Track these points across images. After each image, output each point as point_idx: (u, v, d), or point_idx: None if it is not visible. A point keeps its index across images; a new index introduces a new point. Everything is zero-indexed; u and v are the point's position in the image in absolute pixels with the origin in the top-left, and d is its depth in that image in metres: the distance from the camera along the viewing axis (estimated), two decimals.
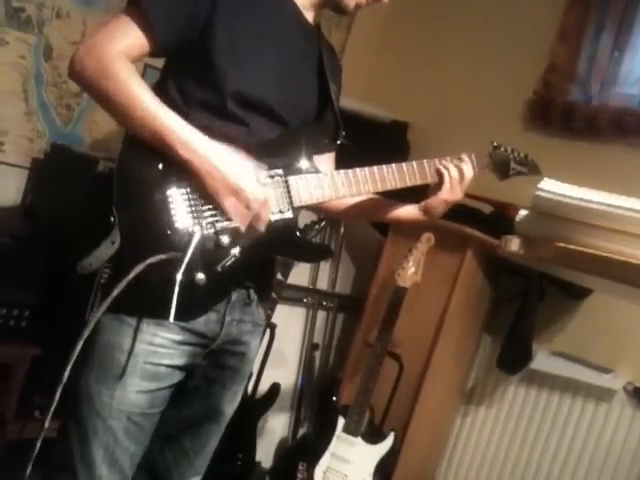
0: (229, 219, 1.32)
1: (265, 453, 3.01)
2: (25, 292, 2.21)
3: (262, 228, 1.34)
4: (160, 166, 1.30)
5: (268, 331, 2.73)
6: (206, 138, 1.31)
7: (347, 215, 1.68)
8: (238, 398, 1.60)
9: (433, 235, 2.62)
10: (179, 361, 1.41)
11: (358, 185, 1.46)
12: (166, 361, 1.39)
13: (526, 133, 3.12)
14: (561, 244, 1.10)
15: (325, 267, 3.24)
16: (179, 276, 1.26)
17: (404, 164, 1.53)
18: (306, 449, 2.70)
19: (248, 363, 1.58)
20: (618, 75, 2.97)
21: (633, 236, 1.05)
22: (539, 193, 1.10)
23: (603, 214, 1.07)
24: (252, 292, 1.52)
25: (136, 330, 1.35)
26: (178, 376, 1.43)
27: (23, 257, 2.21)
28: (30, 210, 2.40)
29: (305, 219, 1.66)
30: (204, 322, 1.42)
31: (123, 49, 1.31)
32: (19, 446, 1.41)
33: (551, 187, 1.11)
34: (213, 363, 1.50)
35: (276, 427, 3.12)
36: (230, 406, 1.58)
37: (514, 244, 1.16)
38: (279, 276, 2.67)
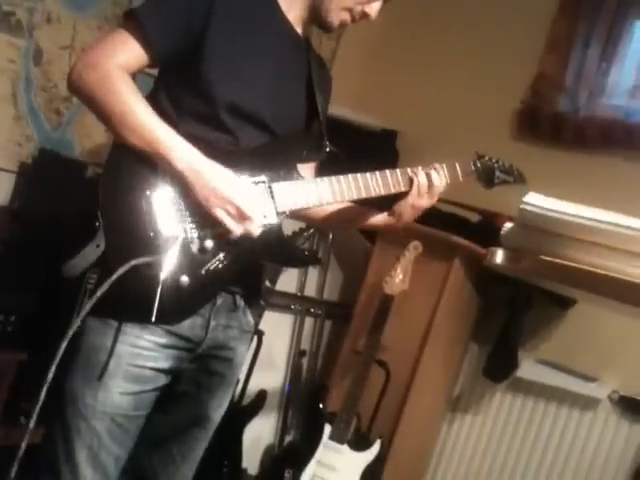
0: (216, 225, 1.34)
1: (251, 460, 3.01)
2: (12, 297, 2.20)
3: (257, 232, 1.36)
4: (146, 171, 1.33)
5: (255, 338, 2.73)
6: (197, 151, 1.33)
7: (326, 224, 1.69)
8: (225, 404, 1.61)
9: (421, 243, 2.63)
10: (164, 364, 1.42)
11: (342, 192, 1.48)
12: (150, 364, 1.40)
13: (514, 143, 3.14)
14: (545, 257, 1.11)
15: (313, 274, 3.25)
16: (161, 277, 1.28)
17: (387, 171, 1.53)
18: (292, 456, 2.70)
19: (235, 369, 1.59)
20: (605, 86, 2.99)
21: (616, 250, 1.07)
22: (524, 207, 1.11)
23: (587, 228, 1.08)
24: (238, 298, 1.53)
25: (120, 332, 1.37)
26: (163, 379, 1.44)
27: (9, 262, 2.20)
28: (18, 215, 2.39)
29: (294, 226, 1.67)
30: (189, 326, 1.43)
31: (121, 62, 1.34)
32: (4, 452, 1.41)
33: (536, 201, 1.12)
34: (200, 368, 1.51)
35: (262, 434, 3.12)
36: (217, 412, 1.59)
37: (499, 256, 1.17)
38: (267, 283, 2.67)
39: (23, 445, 1.29)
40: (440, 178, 1.56)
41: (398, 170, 1.55)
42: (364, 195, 1.50)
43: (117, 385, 1.38)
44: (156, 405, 1.48)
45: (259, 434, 3.08)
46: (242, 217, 1.33)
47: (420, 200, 1.55)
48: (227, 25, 1.40)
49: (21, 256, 2.22)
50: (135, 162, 1.32)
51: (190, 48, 1.38)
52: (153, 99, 1.41)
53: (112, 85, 1.31)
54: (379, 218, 1.65)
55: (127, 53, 1.35)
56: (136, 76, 1.40)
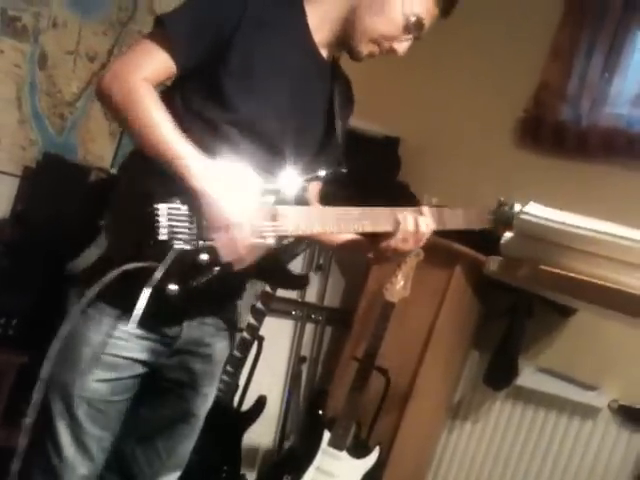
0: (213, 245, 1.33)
1: (250, 466, 3.01)
2: (13, 300, 2.21)
3: (238, 267, 1.34)
4: (159, 180, 1.33)
5: (256, 343, 2.74)
6: (217, 170, 1.32)
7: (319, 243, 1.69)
8: (210, 400, 1.63)
9: (422, 250, 2.63)
10: (139, 355, 1.45)
11: (347, 223, 1.45)
12: (125, 353, 1.43)
13: (517, 151, 3.15)
14: (544, 267, 1.12)
15: (314, 280, 3.25)
16: (149, 285, 1.28)
17: (399, 209, 1.50)
18: (291, 462, 2.69)
19: (216, 365, 1.60)
20: (608, 95, 3.00)
21: (616, 261, 1.07)
22: (524, 216, 1.11)
23: (587, 239, 1.08)
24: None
25: (95, 321, 1.40)
26: (140, 369, 1.47)
27: (12, 265, 2.21)
28: (21, 218, 2.40)
29: None
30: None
31: (148, 75, 1.35)
32: (5, 454, 1.43)
33: (536, 211, 1.12)
34: (180, 365, 1.53)
35: (262, 440, 3.12)
36: (202, 408, 1.61)
37: (499, 265, 1.18)
38: (267, 288, 2.68)
39: (20, 441, 1.32)
40: (425, 224, 1.51)
41: (409, 209, 1.51)
42: (370, 229, 1.47)
43: (92, 372, 1.41)
44: (141, 400, 1.51)
45: (258, 440, 3.08)
46: (235, 248, 1.31)
47: (404, 245, 1.50)
48: (253, 40, 1.41)
49: (24, 259, 2.23)
50: (151, 170, 1.33)
51: (213, 57, 1.39)
52: (166, 97, 1.41)
53: (138, 100, 1.32)
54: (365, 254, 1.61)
55: (154, 67, 1.36)
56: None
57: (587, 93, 3.01)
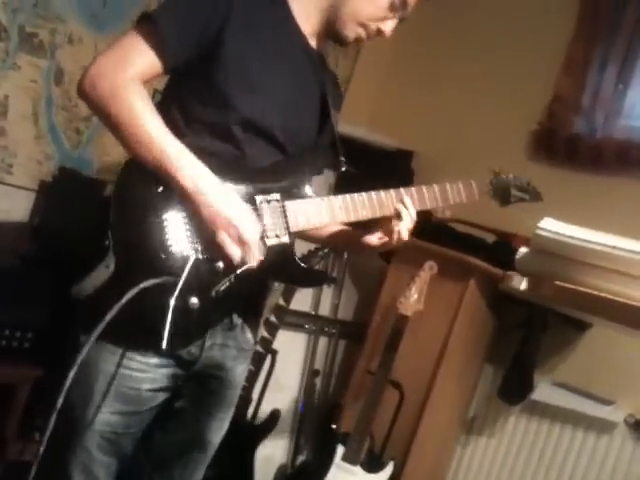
0: (220, 252, 1.30)
1: (263, 479, 3.00)
2: (29, 314, 2.22)
3: (254, 263, 1.32)
4: (158, 190, 1.30)
5: (269, 357, 2.74)
6: (209, 172, 1.31)
7: (327, 243, 1.68)
8: (225, 426, 1.59)
9: (436, 263, 2.63)
10: (161, 384, 1.40)
11: (356, 210, 1.45)
12: (146, 385, 1.38)
13: (530, 164, 3.14)
14: (560, 283, 1.11)
15: (327, 293, 3.24)
16: (172, 302, 1.25)
17: (402, 189, 1.51)
18: (305, 476, 2.69)
19: (233, 389, 1.56)
20: (622, 108, 2.99)
21: (631, 277, 1.06)
22: (539, 232, 1.11)
23: (601, 254, 1.08)
24: (235, 317, 1.50)
25: (109, 352, 1.34)
26: (161, 397, 1.43)
27: (28, 279, 2.22)
28: (37, 232, 2.42)
29: (309, 246, 1.66)
30: None
31: (134, 73, 1.31)
32: (19, 467, 1.42)
33: (551, 226, 1.12)
34: (198, 386, 1.49)
35: (275, 453, 3.11)
36: (217, 435, 1.57)
37: (516, 281, 1.17)
38: (281, 301, 2.68)
39: (34, 469, 1.28)
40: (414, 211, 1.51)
41: (413, 188, 1.53)
42: (378, 214, 1.48)
43: (108, 405, 1.36)
44: (156, 424, 1.47)
45: (272, 454, 3.07)
46: (242, 244, 1.30)
47: (410, 227, 1.51)
48: (243, 36, 1.38)
49: (39, 273, 2.24)
50: (146, 179, 1.30)
51: (205, 57, 1.36)
52: (162, 107, 1.38)
53: (124, 99, 1.28)
54: (373, 239, 1.57)
55: (141, 63, 1.32)
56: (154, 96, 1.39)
57: (601, 105, 3.01)
